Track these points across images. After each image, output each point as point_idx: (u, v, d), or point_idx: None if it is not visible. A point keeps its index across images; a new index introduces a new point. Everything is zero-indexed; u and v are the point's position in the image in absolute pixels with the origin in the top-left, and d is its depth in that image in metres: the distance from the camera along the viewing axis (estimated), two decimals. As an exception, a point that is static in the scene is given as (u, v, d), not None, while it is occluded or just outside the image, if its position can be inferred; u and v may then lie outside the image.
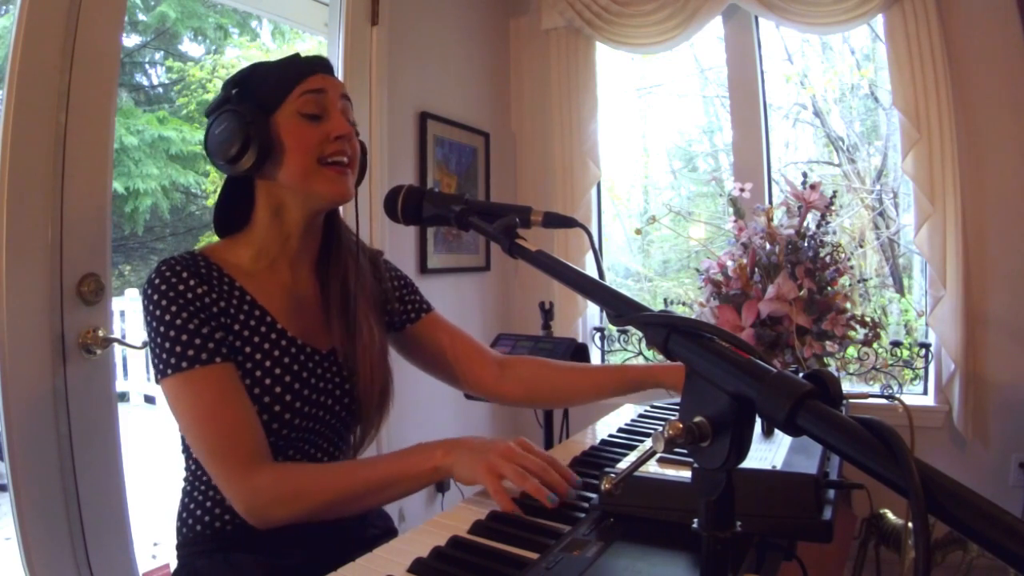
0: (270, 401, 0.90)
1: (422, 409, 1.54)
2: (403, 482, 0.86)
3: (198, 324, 0.86)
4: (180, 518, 0.97)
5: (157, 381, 0.88)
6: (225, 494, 0.87)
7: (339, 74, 1.98)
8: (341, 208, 1.05)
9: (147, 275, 0.91)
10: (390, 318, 1.12)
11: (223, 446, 0.85)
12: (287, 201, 0.96)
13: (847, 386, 2.18)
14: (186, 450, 0.97)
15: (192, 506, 0.95)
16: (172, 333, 0.85)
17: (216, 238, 1.03)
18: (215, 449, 0.85)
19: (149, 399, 5.36)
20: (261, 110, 0.91)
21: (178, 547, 0.97)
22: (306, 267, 1.02)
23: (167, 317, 0.86)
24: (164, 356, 0.86)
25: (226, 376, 0.87)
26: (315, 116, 0.93)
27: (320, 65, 0.96)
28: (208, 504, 0.93)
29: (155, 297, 0.87)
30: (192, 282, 0.88)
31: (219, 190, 1.00)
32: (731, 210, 2.05)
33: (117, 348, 1.35)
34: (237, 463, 0.84)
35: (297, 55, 0.96)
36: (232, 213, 1.00)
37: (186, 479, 0.98)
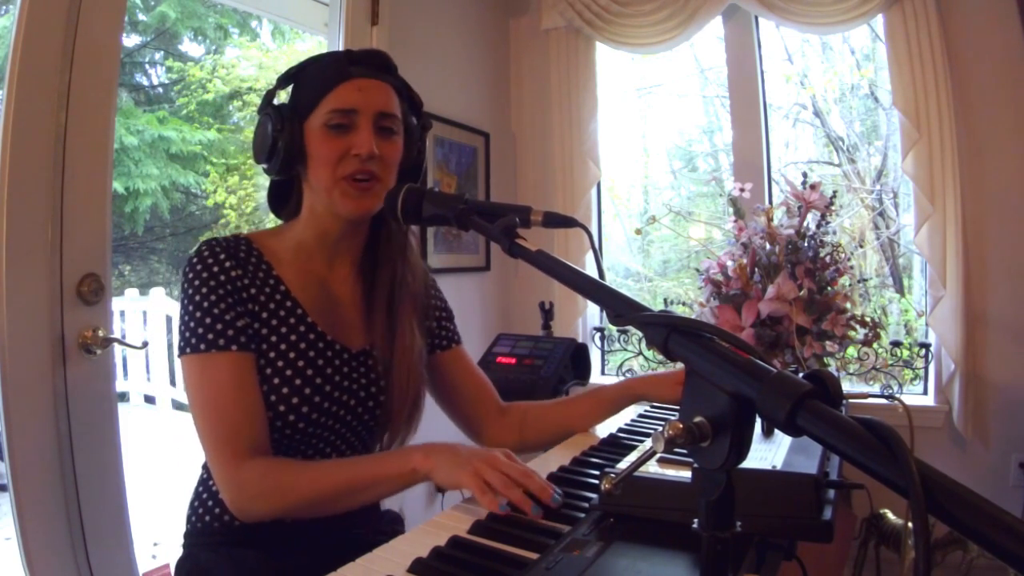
0: (288, 392, 0.90)
1: (427, 419, 1.53)
2: (382, 484, 0.87)
3: (224, 308, 0.88)
4: (192, 507, 0.97)
5: (178, 356, 0.90)
6: (216, 482, 0.88)
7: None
8: None
9: (189, 254, 0.94)
10: (427, 335, 1.11)
11: (220, 435, 0.86)
12: (319, 207, 0.97)
13: (847, 386, 2.18)
14: None
15: (205, 495, 0.95)
16: (198, 313, 0.88)
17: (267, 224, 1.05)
18: (212, 436, 0.87)
19: (149, 399, 5.36)
20: (296, 115, 0.93)
21: (185, 535, 0.97)
22: (347, 265, 1.02)
23: (197, 297, 0.88)
24: (187, 334, 0.88)
25: (240, 365, 0.88)
26: (342, 126, 0.92)
27: (360, 70, 0.93)
28: (221, 497, 0.93)
29: (190, 275, 0.90)
30: (228, 264, 0.91)
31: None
32: (731, 210, 2.05)
33: (117, 348, 1.35)
34: (229, 454, 0.85)
35: (346, 54, 0.95)
36: (286, 201, 1.03)
37: (203, 467, 0.98)
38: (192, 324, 0.88)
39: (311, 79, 0.94)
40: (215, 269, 0.90)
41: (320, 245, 0.99)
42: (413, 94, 1.02)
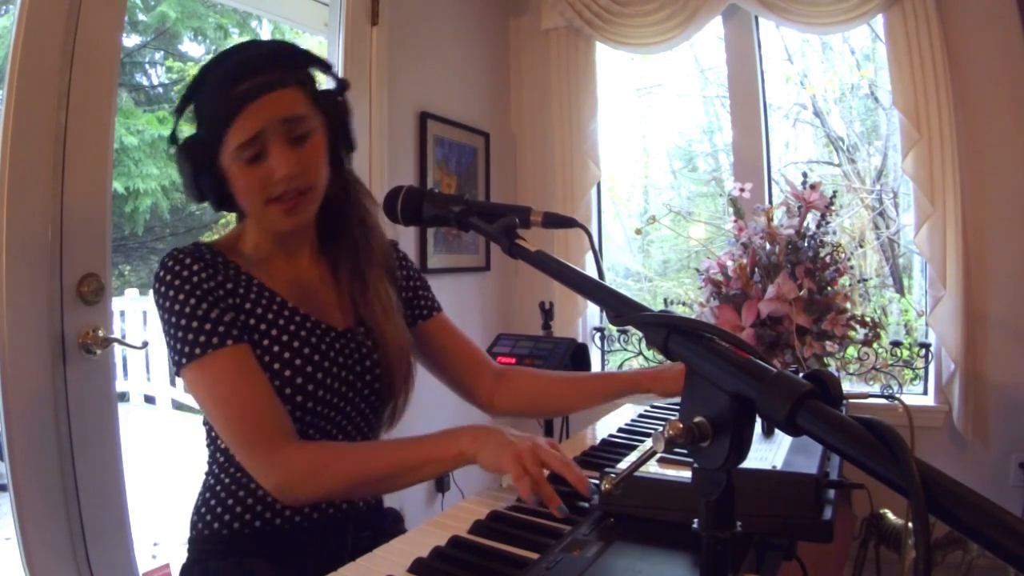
0: (291, 375, 0.90)
1: (428, 405, 1.53)
2: (427, 466, 0.86)
3: (207, 308, 0.87)
4: (198, 513, 0.96)
5: (177, 374, 0.89)
6: (253, 474, 0.88)
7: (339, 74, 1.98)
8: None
9: (155, 269, 0.92)
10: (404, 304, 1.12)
11: (247, 425, 0.85)
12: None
13: (847, 386, 2.17)
14: (212, 443, 0.97)
15: (213, 502, 0.94)
16: (184, 322, 0.86)
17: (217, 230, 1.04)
18: (239, 429, 0.86)
19: (149, 399, 5.36)
20: (207, 153, 0.89)
21: (191, 541, 0.96)
22: (306, 252, 1.03)
23: (176, 307, 0.87)
24: (179, 346, 0.87)
25: (241, 356, 0.88)
26: (256, 157, 0.87)
27: (251, 87, 0.85)
28: (230, 502, 0.92)
29: (163, 289, 0.88)
30: (197, 267, 0.89)
31: None
32: (731, 210, 2.05)
33: (117, 348, 1.35)
34: (263, 440, 0.85)
35: (232, 73, 0.86)
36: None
37: (209, 473, 0.98)
38: (181, 335, 0.86)
39: (207, 108, 0.88)
40: (186, 275, 0.89)
41: (276, 244, 0.99)
42: (317, 62, 0.95)
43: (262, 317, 0.92)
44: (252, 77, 0.86)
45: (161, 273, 0.89)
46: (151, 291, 0.92)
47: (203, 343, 0.86)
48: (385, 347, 0.99)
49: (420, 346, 1.16)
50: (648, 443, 0.49)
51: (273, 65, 0.88)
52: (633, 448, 1.07)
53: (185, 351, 0.86)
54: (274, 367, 0.90)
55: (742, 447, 0.47)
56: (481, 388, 1.17)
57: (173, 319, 0.87)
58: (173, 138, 0.92)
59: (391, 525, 1.08)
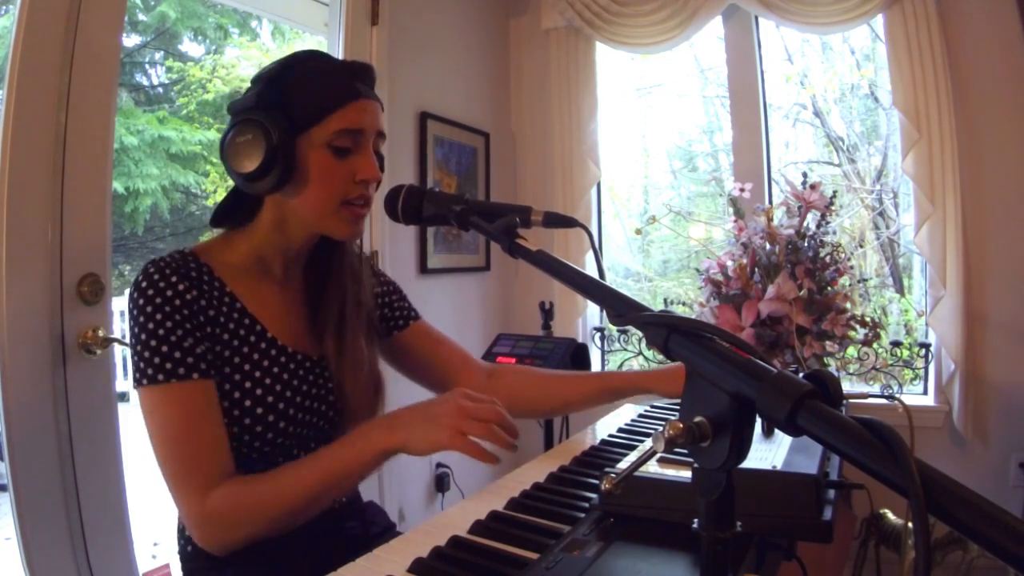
0: (263, 412, 0.88)
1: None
2: (353, 474, 0.83)
3: (182, 334, 0.83)
4: (181, 533, 0.93)
5: (135, 387, 0.84)
6: (184, 519, 0.83)
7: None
8: None
9: (135, 276, 0.86)
10: (377, 323, 1.11)
11: (183, 470, 0.81)
12: (292, 221, 0.93)
13: (847, 386, 2.18)
14: None
15: None
16: (154, 342, 0.82)
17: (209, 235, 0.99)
18: (174, 472, 0.82)
19: (149, 399, 5.35)
20: (290, 127, 0.85)
21: (181, 560, 0.94)
22: (300, 272, 1.00)
23: (151, 325, 0.82)
24: (142, 365, 0.82)
25: (201, 394, 0.83)
26: (346, 149, 0.88)
27: (364, 87, 0.89)
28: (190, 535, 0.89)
29: (140, 302, 0.83)
30: (181, 287, 0.84)
31: (228, 189, 0.96)
32: (731, 210, 2.05)
33: (117, 348, 1.35)
34: (195, 487, 0.81)
35: (345, 66, 0.89)
36: (235, 210, 0.96)
37: None
38: (148, 354, 0.81)
39: (309, 88, 0.86)
40: (168, 293, 0.83)
41: (280, 256, 0.96)
42: None
43: (238, 349, 0.88)
44: (363, 79, 0.90)
45: (144, 285, 0.84)
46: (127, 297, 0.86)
47: (168, 370, 0.81)
48: (344, 398, 0.97)
49: (397, 356, 1.14)
50: (648, 443, 0.49)
51: (374, 81, 0.93)
52: (633, 448, 1.07)
53: (148, 372, 0.81)
54: (245, 403, 0.87)
55: (742, 447, 0.47)
56: (471, 385, 1.11)
57: (144, 336, 0.82)
58: (240, 108, 0.86)
59: (374, 515, 1.09)
